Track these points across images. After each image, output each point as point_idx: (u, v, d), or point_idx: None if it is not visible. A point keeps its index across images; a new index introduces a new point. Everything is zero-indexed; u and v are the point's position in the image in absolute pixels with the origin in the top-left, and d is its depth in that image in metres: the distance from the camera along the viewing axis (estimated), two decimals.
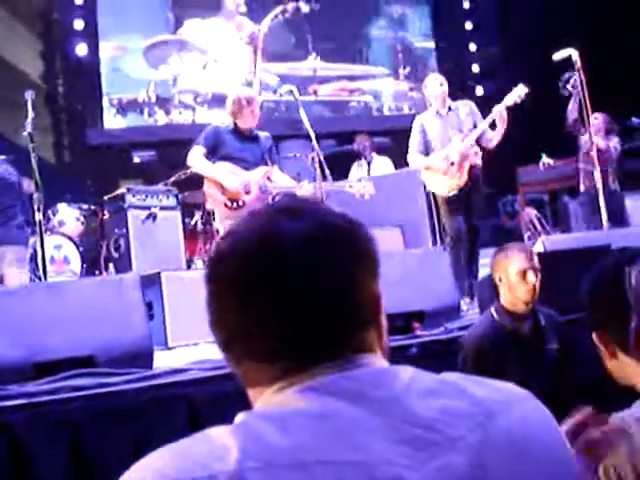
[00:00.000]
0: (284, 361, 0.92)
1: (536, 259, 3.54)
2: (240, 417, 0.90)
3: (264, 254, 0.93)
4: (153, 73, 11.82)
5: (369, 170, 8.69)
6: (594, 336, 1.46)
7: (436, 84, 6.54)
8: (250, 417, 0.89)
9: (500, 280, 3.51)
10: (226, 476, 0.81)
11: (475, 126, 6.39)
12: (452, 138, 6.37)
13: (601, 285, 1.44)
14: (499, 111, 6.19)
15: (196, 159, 6.03)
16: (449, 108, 6.52)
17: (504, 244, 3.73)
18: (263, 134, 6.29)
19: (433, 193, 6.56)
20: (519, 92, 6.23)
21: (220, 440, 0.85)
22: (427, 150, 6.49)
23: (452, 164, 6.27)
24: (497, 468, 0.87)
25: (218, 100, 11.28)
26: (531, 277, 3.44)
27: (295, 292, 0.91)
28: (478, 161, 6.36)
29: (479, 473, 0.86)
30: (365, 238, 0.99)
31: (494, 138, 6.33)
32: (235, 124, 6.10)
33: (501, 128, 6.25)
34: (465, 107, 6.57)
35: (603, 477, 1.25)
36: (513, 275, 3.46)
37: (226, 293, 0.95)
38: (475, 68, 13.46)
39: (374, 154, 8.85)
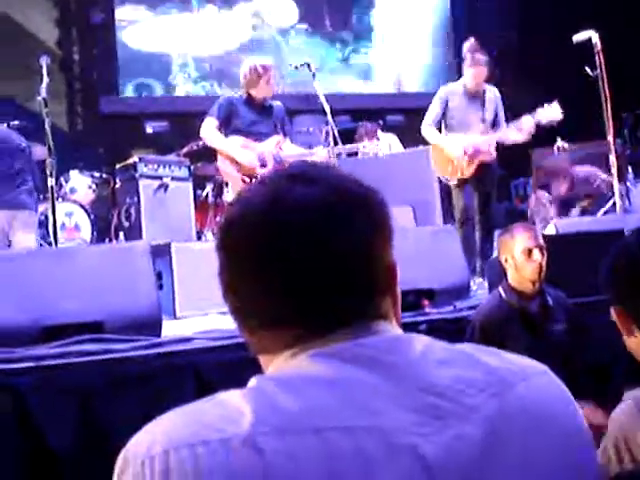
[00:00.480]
0: (298, 328, 0.91)
1: (541, 238, 3.55)
2: (253, 381, 0.88)
3: (276, 220, 0.91)
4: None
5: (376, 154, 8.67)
6: (612, 311, 1.45)
7: (483, 63, 6.15)
8: (263, 381, 0.88)
9: (506, 261, 3.54)
10: (238, 440, 0.79)
11: (496, 115, 6.22)
12: (472, 125, 6.17)
13: (620, 262, 1.43)
14: (530, 127, 5.98)
15: (209, 132, 5.92)
16: (482, 92, 6.22)
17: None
18: (276, 104, 6.17)
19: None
20: (554, 115, 5.95)
21: (232, 404, 0.84)
22: (442, 124, 6.29)
23: (465, 154, 6.09)
24: (512, 439, 0.86)
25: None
26: (537, 255, 3.46)
27: (308, 258, 0.90)
28: (489, 158, 6.18)
29: (494, 444, 0.85)
30: (381, 205, 0.97)
31: (511, 140, 6.16)
32: (249, 94, 5.97)
33: (524, 137, 6.07)
34: (490, 92, 6.29)
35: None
36: (519, 254, 3.47)
37: (237, 260, 0.94)
38: (493, 51, 13.33)
39: (379, 132, 8.82)
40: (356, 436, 0.81)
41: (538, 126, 6.01)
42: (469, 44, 6.37)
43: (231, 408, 0.83)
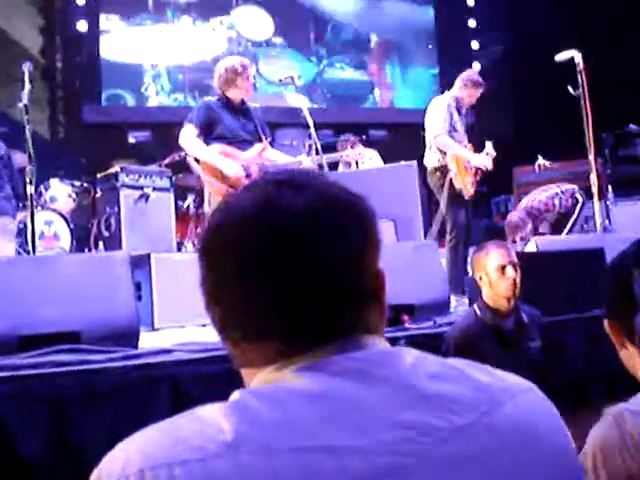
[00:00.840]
0: (283, 341, 0.88)
1: (514, 255, 3.57)
2: (235, 395, 0.85)
3: (264, 226, 0.89)
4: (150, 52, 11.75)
5: (357, 165, 8.71)
6: (605, 324, 1.46)
7: (481, 87, 6.45)
8: (245, 395, 0.85)
9: (480, 278, 3.56)
10: (219, 459, 0.77)
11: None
12: (463, 138, 6.38)
13: (614, 276, 1.44)
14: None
15: (190, 141, 5.59)
16: (466, 109, 6.52)
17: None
18: (252, 105, 5.92)
19: (451, 187, 6.36)
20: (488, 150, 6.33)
21: (212, 420, 0.81)
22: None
23: (471, 168, 6.27)
24: (501, 457, 0.84)
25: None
26: (510, 272, 3.48)
27: (297, 266, 0.87)
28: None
29: (483, 462, 0.83)
30: (370, 213, 0.95)
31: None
32: (226, 97, 5.66)
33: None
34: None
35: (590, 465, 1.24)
36: (492, 271, 3.50)
37: (222, 267, 0.91)
38: (476, 66, 13.42)
39: (360, 147, 8.85)
40: (339, 455, 0.78)
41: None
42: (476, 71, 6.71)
43: (210, 424, 0.81)
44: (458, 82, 6.45)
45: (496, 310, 3.52)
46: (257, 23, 12.31)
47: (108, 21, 11.52)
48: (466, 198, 6.26)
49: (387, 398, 0.83)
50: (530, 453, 0.87)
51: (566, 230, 7.64)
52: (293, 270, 0.87)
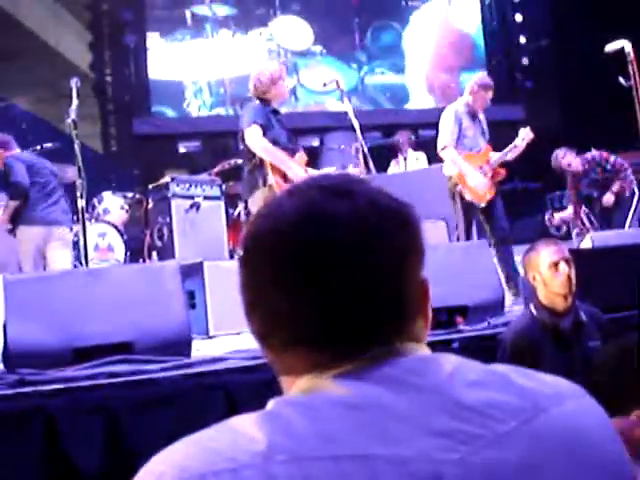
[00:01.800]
0: (323, 349, 0.86)
1: (566, 251, 3.48)
2: (269, 404, 0.84)
3: (306, 233, 0.86)
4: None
5: (406, 165, 8.68)
6: None
7: (490, 88, 6.39)
8: (279, 404, 0.84)
9: (534, 278, 3.47)
10: (251, 469, 0.75)
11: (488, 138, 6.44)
12: (481, 146, 6.30)
13: None
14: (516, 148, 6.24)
15: (259, 141, 5.21)
16: (479, 114, 6.45)
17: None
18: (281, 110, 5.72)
19: (460, 193, 6.28)
20: (523, 135, 6.23)
21: (244, 430, 0.80)
22: (458, 145, 6.29)
23: (485, 175, 6.17)
24: (545, 467, 0.80)
25: None
26: (563, 268, 3.39)
27: (340, 276, 0.85)
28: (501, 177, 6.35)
29: (526, 471, 0.79)
30: (415, 221, 0.93)
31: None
32: (267, 102, 5.44)
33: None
34: (482, 115, 6.51)
35: None
36: (545, 269, 3.41)
37: (260, 273, 0.89)
38: (525, 61, 13.26)
39: (410, 150, 8.83)
40: (374, 465, 0.76)
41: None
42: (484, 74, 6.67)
43: (242, 434, 0.79)
44: (467, 87, 6.42)
45: (553, 309, 3.43)
46: (296, 33, 12.36)
47: (150, 39, 11.69)
48: (481, 206, 6.17)
49: (424, 406, 0.81)
50: (577, 461, 0.83)
51: (627, 224, 7.45)
52: (335, 277, 0.85)
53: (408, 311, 0.90)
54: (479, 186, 6.10)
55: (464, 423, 0.80)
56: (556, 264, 3.40)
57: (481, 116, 6.46)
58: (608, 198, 7.76)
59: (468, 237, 6.22)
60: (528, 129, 6.25)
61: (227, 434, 0.81)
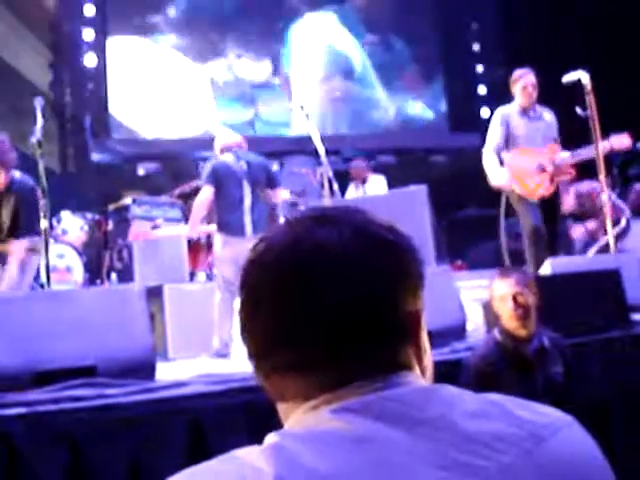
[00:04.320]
0: (316, 375, 0.87)
1: (521, 285, 3.48)
2: (272, 437, 0.84)
3: (294, 261, 0.89)
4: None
5: (364, 190, 8.78)
6: None
7: (524, 76, 6.32)
8: (283, 438, 0.83)
9: (497, 305, 3.51)
10: None
11: (555, 137, 6.40)
12: (540, 142, 6.30)
13: None
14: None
15: (200, 197, 5.85)
16: (534, 109, 6.39)
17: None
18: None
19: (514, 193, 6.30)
20: (615, 141, 6.11)
21: (252, 463, 0.80)
22: (510, 146, 6.33)
23: (543, 171, 6.19)
24: None
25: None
26: (521, 300, 3.41)
27: (324, 303, 0.87)
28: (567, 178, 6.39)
29: None
30: (408, 252, 0.94)
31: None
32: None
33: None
34: (548, 114, 6.48)
35: None
36: (497, 303, 3.46)
37: (254, 300, 0.91)
38: (482, 89, 13.49)
39: (370, 174, 8.94)
40: None
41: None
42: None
43: (249, 466, 0.79)
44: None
45: (516, 336, 3.47)
46: (254, 65, 12.43)
47: (110, 61, 11.66)
48: (533, 201, 6.20)
49: (428, 440, 0.81)
50: None
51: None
52: (319, 307, 0.87)
53: (395, 339, 0.91)
54: (503, 185, 6.17)
55: (469, 455, 0.81)
56: (514, 296, 3.44)
57: (547, 115, 6.44)
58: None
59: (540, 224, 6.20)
60: (625, 136, 6.12)
61: (233, 465, 0.81)
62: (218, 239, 5.79)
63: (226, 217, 5.75)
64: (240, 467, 0.80)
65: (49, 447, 2.95)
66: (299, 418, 0.87)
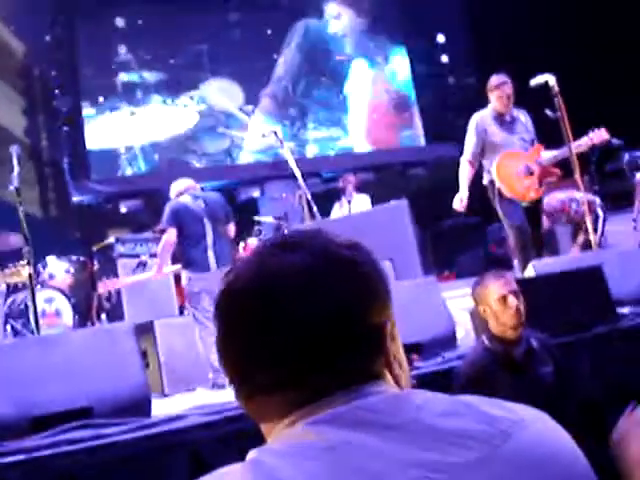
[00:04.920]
0: (290, 393, 0.91)
1: (514, 283, 3.56)
2: (252, 454, 0.88)
3: (261, 287, 0.93)
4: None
5: (350, 208, 8.83)
6: None
7: (502, 84, 6.32)
8: (261, 453, 0.88)
9: (484, 311, 3.55)
10: None
11: (533, 137, 6.44)
12: (519, 146, 6.34)
13: None
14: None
15: (164, 240, 6.03)
16: (510, 114, 6.41)
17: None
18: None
19: (499, 190, 6.31)
20: (593, 135, 6.21)
21: (234, 477, 0.84)
22: (488, 153, 6.37)
23: (531, 173, 6.23)
24: None
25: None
26: (512, 301, 3.47)
27: (291, 325, 0.91)
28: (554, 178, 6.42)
29: None
30: (369, 267, 0.98)
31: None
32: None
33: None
34: (523, 116, 6.50)
35: None
36: (494, 303, 3.49)
37: (228, 328, 0.96)
38: (453, 100, 13.62)
39: (354, 193, 9.00)
40: None
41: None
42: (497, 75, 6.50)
43: None
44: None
45: (504, 340, 3.51)
46: (226, 94, 12.50)
47: (83, 103, 11.69)
48: (523, 205, 6.26)
49: (400, 443, 0.85)
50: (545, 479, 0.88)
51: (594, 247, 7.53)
52: (287, 329, 0.91)
53: (365, 351, 0.94)
54: (456, 199, 6.29)
55: (438, 453, 0.84)
56: (504, 297, 3.48)
57: (522, 116, 6.46)
58: None
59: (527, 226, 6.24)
60: (603, 130, 6.21)
61: None
62: (185, 276, 5.99)
63: (191, 255, 5.96)
64: None
65: None
66: (278, 435, 0.91)
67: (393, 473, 0.82)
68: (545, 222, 7.30)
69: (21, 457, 2.99)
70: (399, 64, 13.82)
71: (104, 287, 6.80)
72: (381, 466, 0.83)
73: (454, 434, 0.87)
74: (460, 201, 6.34)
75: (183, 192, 6.25)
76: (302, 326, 0.91)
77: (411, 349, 4.18)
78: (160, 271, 6.22)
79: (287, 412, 0.91)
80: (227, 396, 4.28)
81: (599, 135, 6.17)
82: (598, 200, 7.75)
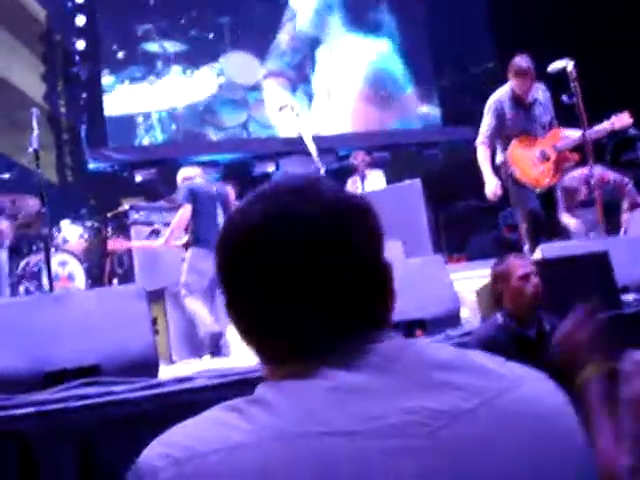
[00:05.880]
0: (298, 336, 0.94)
1: (533, 264, 3.63)
2: (257, 390, 0.92)
3: (268, 235, 0.95)
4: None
5: (363, 186, 8.85)
6: None
7: (523, 74, 6.19)
8: (264, 389, 0.92)
9: (503, 290, 3.59)
10: (243, 446, 0.84)
11: (551, 116, 6.35)
12: (537, 130, 6.28)
13: None
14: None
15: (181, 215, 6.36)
16: (533, 98, 6.32)
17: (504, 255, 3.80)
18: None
19: (512, 173, 6.29)
20: (615, 120, 6.14)
21: (235, 411, 0.89)
22: (503, 134, 6.32)
23: (547, 159, 6.20)
24: (506, 439, 0.89)
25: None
26: (534, 280, 3.53)
27: (302, 270, 0.93)
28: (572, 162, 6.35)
29: (487, 443, 0.88)
30: (373, 210, 1.01)
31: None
32: None
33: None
34: (542, 92, 6.39)
35: None
36: (516, 281, 3.54)
37: (232, 275, 0.98)
38: (472, 82, 13.55)
39: (368, 170, 9.00)
40: (355, 440, 0.84)
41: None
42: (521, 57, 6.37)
43: (233, 416, 0.88)
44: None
45: (519, 319, 3.56)
46: (246, 67, 12.48)
47: (103, 71, 11.70)
48: (536, 191, 6.22)
49: (397, 387, 0.89)
50: (536, 436, 0.91)
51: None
52: (297, 275, 0.93)
53: (377, 297, 0.99)
54: (490, 191, 6.19)
55: (432, 401, 0.89)
56: (527, 276, 3.55)
57: (540, 94, 6.33)
58: None
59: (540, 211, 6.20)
60: (625, 114, 6.12)
61: (220, 416, 0.90)
62: (194, 252, 6.16)
63: (203, 233, 6.17)
64: (227, 416, 0.89)
65: (60, 444, 3.04)
66: (283, 374, 0.94)
67: (388, 415, 0.87)
68: (583, 192, 7.17)
69: (32, 410, 3.07)
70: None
71: (112, 245, 6.94)
72: (381, 409, 0.87)
73: (449, 385, 0.91)
74: (493, 190, 6.22)
75: (192, 177, 6.49)
76: (318, 272, 0.93)
77: (415, 325, 4.24)
78: (168, 243, 6.43)
79: (293, 356, 0.94)
80: (233, 363, 4.36)
81: (621, 119, 6.10)
82: (626, 179, 7.60)
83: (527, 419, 0.92)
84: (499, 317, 3.62)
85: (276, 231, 0.94)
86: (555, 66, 6.16)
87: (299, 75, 12.79)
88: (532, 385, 0.96)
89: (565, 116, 6.28)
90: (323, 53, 12.97)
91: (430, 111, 13.69)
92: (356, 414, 0.86)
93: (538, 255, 4.97)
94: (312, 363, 0.92)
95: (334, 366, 0.91)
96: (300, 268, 0.93)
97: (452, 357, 0.95)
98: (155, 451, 0.89)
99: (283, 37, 12.64)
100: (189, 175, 6.59)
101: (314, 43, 12.94)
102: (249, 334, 1.00)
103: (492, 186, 6.20)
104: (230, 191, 6.57)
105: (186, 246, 6.33)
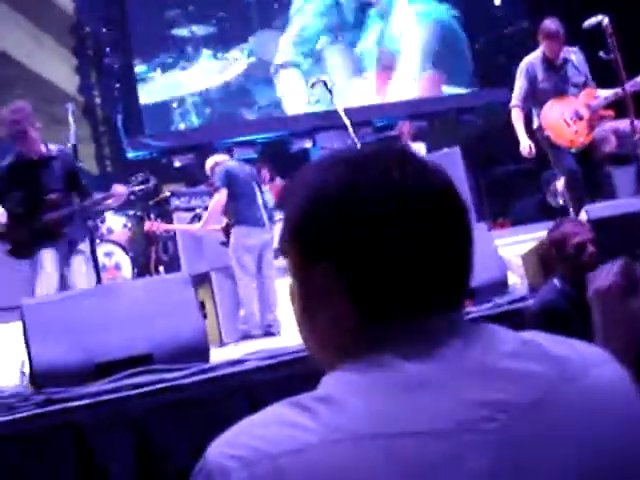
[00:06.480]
0: (366, 329, 0.90)
1: (590, 231, 3.60)
2: (320, 387, 0.88)
3: (351, 207, 0.89)
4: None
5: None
6: None
7: (553, 36, 6.13)
8: (330, 384, 0.88)
9: (558, 255, 3.56)
10: (313, 448, 0.80)
11: (586, 77, 6.28)
12: (570, 90, 6.22)
13: None
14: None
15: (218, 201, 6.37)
16: (563, 59, 6.26)
17: (556, 219, 3.76)
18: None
19: (548, 136, 6.22)
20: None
21: (301, 409, 0.84)
22: (536, 97, 6.28)
23: (580, 118, 6.14)
24: (578, 428, 0.86)
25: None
26: (590, 248, 3.50)
27: (398, 239, 0.88)
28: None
29: (560, 433, 0.86)
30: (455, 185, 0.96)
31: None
32: None
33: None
34: (574, 55, 6.31)
35: None
36: (573, 250, 3.51)
37: (305, 245, 0.93)
38: (506, 43, 13.35)
39: (409, 142, 8.93)
40: (425, 441, 0.81)
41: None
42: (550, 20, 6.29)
43: (301, 413, 0.83)
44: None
45: (576, 284, 3.53)
46: (276, 46, 12.44)
47: (136, 59, 11.75)
48: (572, 151, 6.17)
49: (464, 380, 0.86)
50: (606, 424, 0.88)
51: None
52: (391, 244, 0.88)
53: (465, 274, 0.94)
54: (523, 150, 6.23)
55: (501, 392, 0.85)
56: (584, 244, 3.52)
57: (573, 56, 6.28)
58: None
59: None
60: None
61: (287, 414, 0.84)
62: (239, 231, 6.19)
63: (244, 213, 6.24)
64: (294, 415, 0.84)
65: (116, 434, 3.09)
66: (349, 367, 0.90)
67: (461, 413, 0.83)
68: (612, 143, 7.01)
69: (88, 401, 3.12)
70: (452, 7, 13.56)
71: (149, 226, 7.02)
72: (450, 405, 0.84)
73: (517, 374, 0.87)
74: (528, 148, 6.25)
75: (222, 162, 6.55)
76: (405, 237, 0.88)
77: None
78: (206, 227, 6.47)
79: (358, 344, 0.90)
80: (282, 343, 4.39)
81: None
82: None
83: (595, 406, 0.88)
84: (556, 282, 3.60)
85: (367, 202, 0.89)
86: (590, 22, 6.04)
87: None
88: (600, 370, 0.92)
89: (603, 74, 6.14)
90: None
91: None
92: (426, 412, 0.83)
93: (583, 217, 4.89)
94: (380, 348, 0.88)
95: (404, 354, 0.87)
96: (391, 239, 0.88)
97: (518, 344, 0.91)
98: (223, 451, 0.84)
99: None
100: (219, 160, 6.63)
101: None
102: (307, 312, 0.96)
103: (525, 145, 6.25)
104: (265, 174, 6.60)
105: (225, 230, 6.35)
